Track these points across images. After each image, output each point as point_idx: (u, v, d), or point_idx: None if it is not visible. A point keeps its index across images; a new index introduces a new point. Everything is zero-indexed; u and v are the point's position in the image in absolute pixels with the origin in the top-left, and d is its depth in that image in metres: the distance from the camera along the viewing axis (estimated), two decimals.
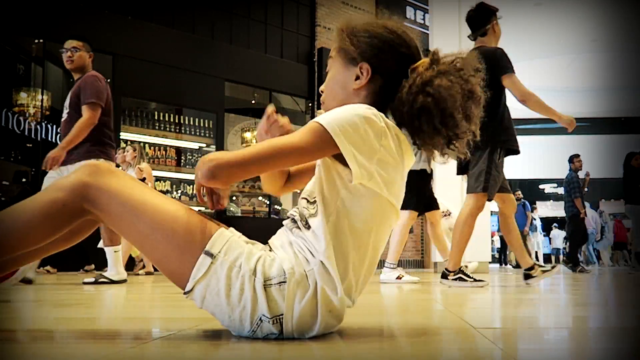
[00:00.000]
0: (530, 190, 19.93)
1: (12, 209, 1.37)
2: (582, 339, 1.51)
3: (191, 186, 9.65)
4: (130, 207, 1.33)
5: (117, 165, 6.44)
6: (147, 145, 9.17)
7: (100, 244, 4.72)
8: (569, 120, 3.91)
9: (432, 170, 5.39)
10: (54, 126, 8.11)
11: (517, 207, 13.81)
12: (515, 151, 4.05)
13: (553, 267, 4.12)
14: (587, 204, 9.60)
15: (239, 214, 10.13)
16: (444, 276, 4.02)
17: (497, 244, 17.48)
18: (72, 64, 4.47)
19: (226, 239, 1.33)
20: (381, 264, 11.70)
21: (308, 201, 1.37)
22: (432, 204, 5.43)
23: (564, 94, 14.99)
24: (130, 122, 9.00)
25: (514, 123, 4.34)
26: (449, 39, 8.16)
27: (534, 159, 16.17)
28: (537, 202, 18.78)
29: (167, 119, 9.40)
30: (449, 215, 6.97)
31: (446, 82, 1.30)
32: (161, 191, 9.06)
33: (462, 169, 4.20)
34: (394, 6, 12.34)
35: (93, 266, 7.49)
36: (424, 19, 12.61)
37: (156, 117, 9.32)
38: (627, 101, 17.73)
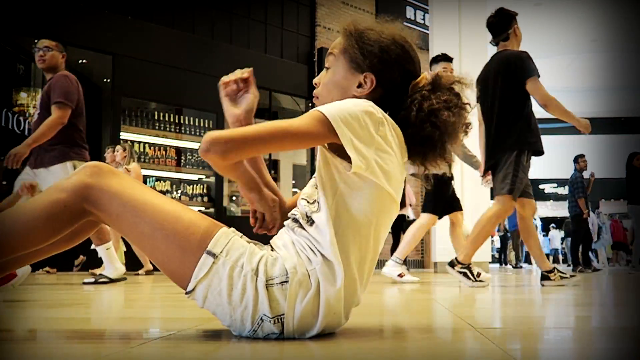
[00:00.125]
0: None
1: (13, 210, 1.37)
2: (582, 339, 1.51)
3: (191, 186, 9.65)
4: (132, 207, 1.33)
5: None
6: (147, 145, 9.18)
7: (93, 246, 4.70)
8: (586, 124, 4.00)
9: (452, 173, 5.37)
10: None
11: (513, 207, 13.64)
12: (540, 152, 4.07)
13: (572, 276, 4.11)
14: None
15: (239, 214, 10.13)
16: (452, 265, 4.03)
17: (497, 244, 17.50)
18: (43, 63, 4.42)
19: (228, 238, 1.33)
20: (381, 264, 11.63)
21: (308, 202, 1.37)
22: (455, 205, 5.42)
23: (564, 94, 14.98)
24: (130, 122, 9.00)
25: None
26: (449, 39, 8.16)
27: (534, 158, 16.15)
28: (537, 202, 18.77)
29: (167, 119, 9.40)
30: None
31: (452, 118, 1.36)
32: (161, 191, 9.07)
33: (487, 169, 4.23)
34: (394, 6, 12.34)
35: (84, 258, 7.49)
36: (424, 19, 12.62)
37: (156, 117, 9.32)
38: (627, 101, 17.75)
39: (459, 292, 3.51)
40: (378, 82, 1.40)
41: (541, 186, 21.85)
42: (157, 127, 9.29)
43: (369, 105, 1.31)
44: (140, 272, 6.82)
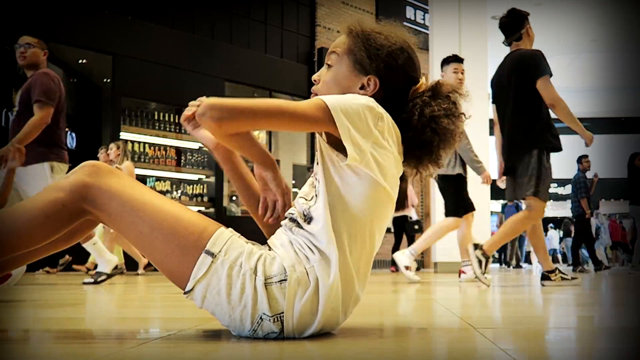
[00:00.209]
0: None
1: (11, 210, 1.37)
2: (582, 338, 1.51)
3: (191, 186, 9.65)
4: (131, 207, 1.33)
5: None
6: (147, 145, 9.17)
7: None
8: (590, 137, 4.02)
9: (467, 173, 5.36)
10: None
11: (509, 207, 13.83)
12: (558, 149, 4.06)
13: (573, 279, 4.10)
14: None
15: (239, 214, 10.13)
16: (476, 247, 4.03)
17: None
18: (24, 60, 4.34)
19: (226, 238, 1.33)
20: (381, 264, 11.53)
21: (306, 199, 1.38)
22: (468, 207, 5.42)
23: (564, 94, 14.94)
24: (130, 122, 9.00)
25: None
26: (449, 39, 8.16)
27: None
28: None
29: (167, 119, 9.39)
30: None
31: (451, 126, 1.40)
32: (161, 191, 9.06)
33: (506, 171, 4.23)
34: (394, 6, 12.34)
35: (69, 257, 7.49)
36: (424, 19, 12.60)
37: (156, 117, 9.31)
38: (627, 101, 17.75)
39: (459, 292, 3.51)
40: (381, 86, 1.42)
41: None
42: (157, 127, 9.29)
43: (370, 101, 1.33)
44: (139, 271, 6.82)
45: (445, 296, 3.23)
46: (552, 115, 4.09)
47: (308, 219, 1.34)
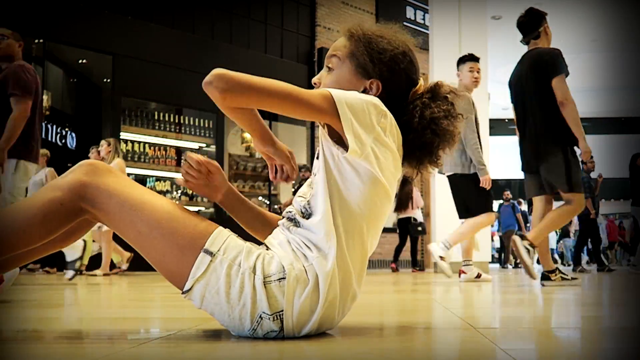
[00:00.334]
0: None
1: (9, 209, 1.37)
2: (582, 338, 1.51)
3: None
4: (129, 206, 1.33)
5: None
6: (147, 145, 9.17)
7: None
8: (587, 150, 3.98)
9: None
10: (54, 126, 8.11)
11: (505, 207, 13.85)
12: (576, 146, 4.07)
13: (574, 279, 4.10)
14: None
15: None
16: (522, 237, 3.99)
17: (497, 244, 17.48)
18: None
19: (225, 237, 1.34)
20: (382, 264, 11.51)
21: (304, 198, 1.39)
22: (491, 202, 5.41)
23: None
24: (130, 122, 9.00)
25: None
26: (449, 39, 8.16)
27: None
28: None
29: (167, 119, 9.39)
30: None
31: (451, 127, 1.42)
32: (161, 191, 9.07)
33: (527, 169, 4.23)
34: (394, 6, 12.33)
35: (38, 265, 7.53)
36: (424, 19, 12.60)
37: (156, 117, 9.32)
38: (627, 101, 17.74)
39: (459, 292, 3.51)
40: (383, 89, 1.43)
41: None
42: (157, 127, 9.29)
43: (375, 99, 1.35)
44: (123, 267, 6.79)
45: (445, 296, 3.22)
46: None
47: (307, 215, 1.35)
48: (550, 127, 4.01)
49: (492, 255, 14.24)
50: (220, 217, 9.27)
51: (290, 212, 1.40)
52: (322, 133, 1.37)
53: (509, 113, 17.10)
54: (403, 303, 2.82)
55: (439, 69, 7.99)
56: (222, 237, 1.33)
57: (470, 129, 4.86)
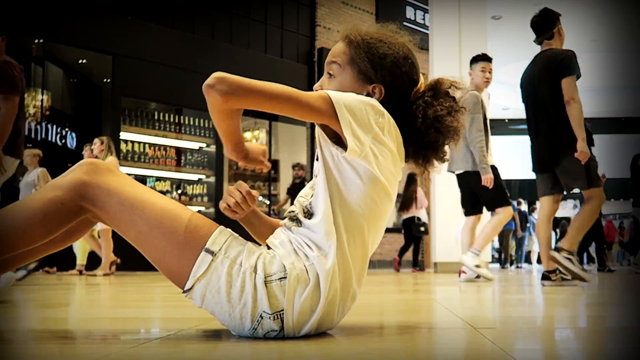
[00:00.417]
0: (530, 191, 19.91)
1: (10, 208, 1.37)
2: (582, 338, 1.51)
3: (191, 186, 9.65)
4: (130, 205, 1.33)
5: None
6: (147, 145, 9.17)
7: None
8: (585, 153, 3.95)
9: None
10: (54, 126, 8.10)
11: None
12: (591, 144, 4.06)
13: (574, 278, 4.09)
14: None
15: None
16: (558, 250, 3.98)
17: (497, 244, 17.48)
18: None
19: (226, 236, 1.34)
20: (383, 264, 11.52)
21: (306, 199, 1.39)
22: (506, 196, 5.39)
23: None
24: (130, 122, 9.00)
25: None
26: (449, 39, 8.16)
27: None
28: (538, 203, 18.71)
29: (167, 119, 9.39)
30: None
31: (454, 123, 1.43)
32: (161, 191, 9.06)
33: (540, 169, 4.21)
34: (394, 6, 12.33)
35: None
36: (424, 19, 12.60)
37: (156, 117, 9.31)
38: (627, 101, 17.73)
39: (459, 292, 3.51)
40: (386, 93, 1.43)
41: None
42: (157, 127, 9.29)
43: (372, 100, 1.36)
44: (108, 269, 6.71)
45: (445, 296, 3.22)
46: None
47: (309, 215, 1.35)
48: (565, 127, 4.01)
49: (492, 256, 14.23)
50: (221, 217, 9.26)
51: (293, 212, 1.40)
52: (319, 134, 1.37)
53: (509, 113, 17.13)
54: (403, 303, 2.82)
55: (439, 69, 7.99)
56: (223, 237, 1.33)
57: (476, 127, 4.87)
